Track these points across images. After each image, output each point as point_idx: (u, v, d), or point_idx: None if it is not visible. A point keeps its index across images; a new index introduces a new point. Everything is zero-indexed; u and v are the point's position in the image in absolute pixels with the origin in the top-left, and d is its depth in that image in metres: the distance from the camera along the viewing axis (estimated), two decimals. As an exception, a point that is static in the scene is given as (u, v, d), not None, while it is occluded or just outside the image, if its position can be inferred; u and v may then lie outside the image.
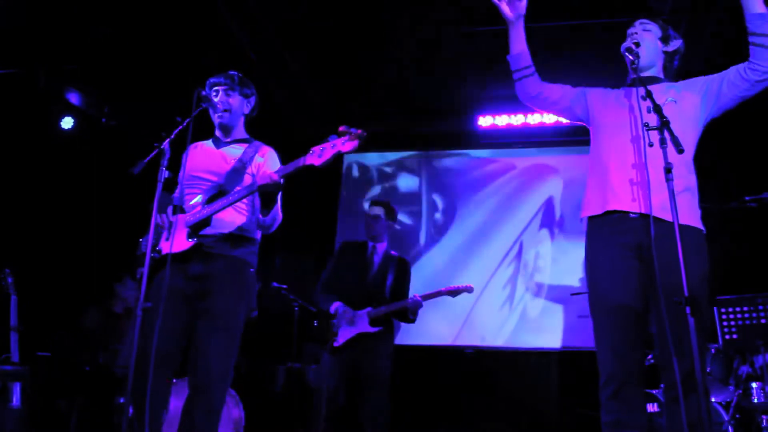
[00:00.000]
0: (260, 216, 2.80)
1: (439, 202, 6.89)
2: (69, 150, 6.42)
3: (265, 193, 2.71)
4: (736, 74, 2.53)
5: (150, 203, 2.66)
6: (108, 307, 5.45)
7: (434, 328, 6.42)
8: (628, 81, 2.69)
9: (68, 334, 5.36)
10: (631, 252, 2.41)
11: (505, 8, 2.69)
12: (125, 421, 2.31)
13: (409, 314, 4.16)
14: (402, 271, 4.33)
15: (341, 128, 2.57)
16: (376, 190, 6.98)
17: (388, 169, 7.12)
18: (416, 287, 4.37)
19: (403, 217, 6.77)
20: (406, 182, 7.03)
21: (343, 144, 2.55)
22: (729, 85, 2.54)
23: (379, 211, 4.33)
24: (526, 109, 6.47)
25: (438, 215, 6.84)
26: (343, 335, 4.10)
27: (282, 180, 2.66)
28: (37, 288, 5.40)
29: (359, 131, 2.54)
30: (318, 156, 2.58)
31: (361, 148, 7.39)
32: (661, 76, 2.68)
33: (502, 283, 6.46)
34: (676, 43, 2.71)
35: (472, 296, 6.39)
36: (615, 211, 2.47)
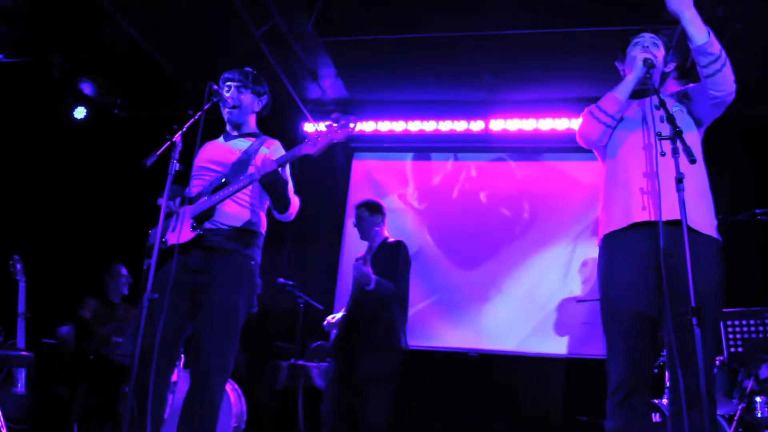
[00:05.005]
0: (275, 213, 2.85)
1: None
2: (81, 140, 6.45)
3: (273, 190, 2.74)
4: (698, 97, 2.56)
5: (160, 195, 2.67)
6: (104, 297, 5.46)
7: (439, 331, 6.42)
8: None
9: (72, 323, 5.38)
10: (647, 261, 2.40)
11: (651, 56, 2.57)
12: (128, 409, 2.33)
13: (364, 285, 3.98)
14: (391, 252, 4.21)
15: (334, 115, 2.64)
16: (384, 190, 6.95)
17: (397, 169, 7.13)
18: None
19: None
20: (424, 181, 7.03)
21: (336, 132, 2.64)
22: (696, 106, 2.58)
23: (361, 212, 4.38)
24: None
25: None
26: (332, 336, 4.18)
27: (281, 169, 2.69)
28: (46, 275, 5.43)
29: (351, 118, 2.62)
30: (313, 145, 2.66)
31: (369, 148, 7.27)
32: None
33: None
34: (671, 66, 2.73)
35: (485, 299, 6.43)
36: (635, 223, 2.46)
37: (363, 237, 4.40)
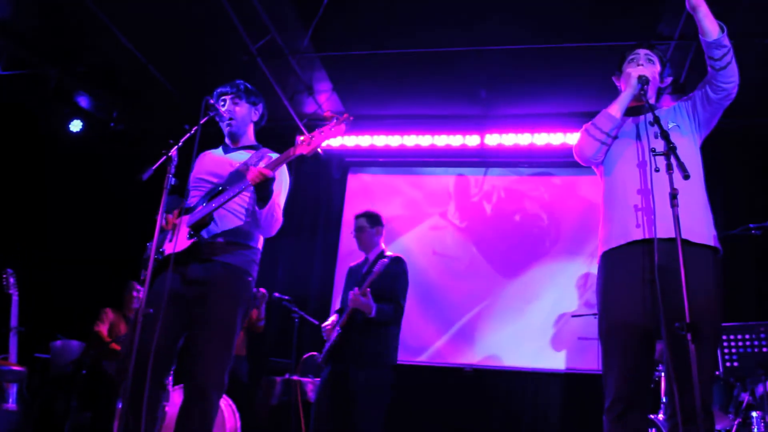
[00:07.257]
0: (257, 209, 2.79)
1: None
2: (77, 153, 6.45)
3: (259, 187, 2.72)
4: (702, 98, 2.59)
5: (156, 208, 2.67)
6: (122, 312, 5.48)
7: (435, 345, 6.41)
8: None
9: (85, 336, 5.37)
10: (644, 276, 2.40)
11: (646, 72, 2.61)
12: (122, 424, 2.31)
13: (364, 313, 3.96)
14: (392, 271, 4.13)
15: (327, 113, 2.64)
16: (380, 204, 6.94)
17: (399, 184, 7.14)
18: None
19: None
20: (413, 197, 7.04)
21: (330, 130, 2.62)
22: (702, 108, 2.60)
23: (361, 222, 4.35)
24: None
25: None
26: (326, 347, 4.13)
27: (272, 174, 2.68)
28: (39, 289, 5.40)
29: (345, 115, 2.61)
30: (307, 144, 2.65)
31: (364, 163, 7.18)
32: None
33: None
34: (667, 81, 2.77)
35: (481, 313, 6.42)
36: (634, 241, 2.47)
37: (362, 248, 4.37)
